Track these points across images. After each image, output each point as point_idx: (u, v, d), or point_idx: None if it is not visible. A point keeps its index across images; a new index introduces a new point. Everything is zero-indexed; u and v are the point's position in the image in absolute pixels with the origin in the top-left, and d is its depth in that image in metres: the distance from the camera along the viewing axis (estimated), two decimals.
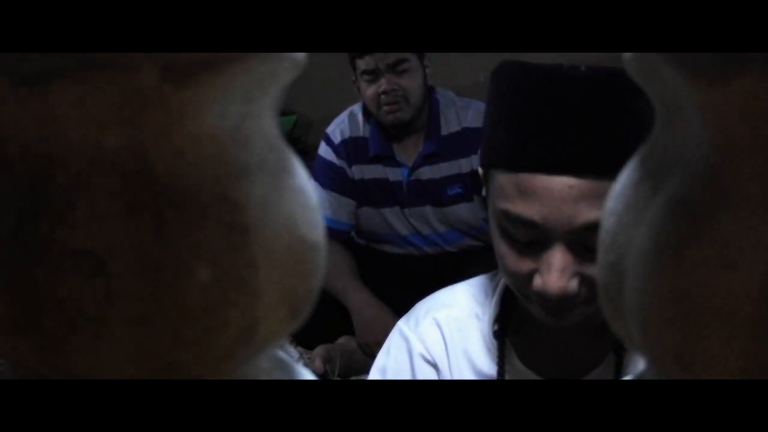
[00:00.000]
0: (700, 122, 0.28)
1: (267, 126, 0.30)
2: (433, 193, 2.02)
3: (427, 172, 2.01)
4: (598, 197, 0.75)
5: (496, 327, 0.94)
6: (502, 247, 0.83)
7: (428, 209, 2.04)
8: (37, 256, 0.27)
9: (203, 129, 0.28)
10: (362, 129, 2.05)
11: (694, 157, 0.28)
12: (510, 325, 0.93)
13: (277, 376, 0.34)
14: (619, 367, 0.89)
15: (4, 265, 0.28)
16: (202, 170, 0.28)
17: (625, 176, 0.33)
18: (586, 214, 0.76)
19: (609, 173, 0.75)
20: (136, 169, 0.27)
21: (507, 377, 0.93)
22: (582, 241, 0.78)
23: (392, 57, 1.89)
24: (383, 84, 1.91)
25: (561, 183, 0.76)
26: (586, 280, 0.80)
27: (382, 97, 1.92)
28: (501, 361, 0.93)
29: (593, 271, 0.78)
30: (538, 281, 0.80)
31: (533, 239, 0.79)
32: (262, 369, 0.33)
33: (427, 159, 2.00)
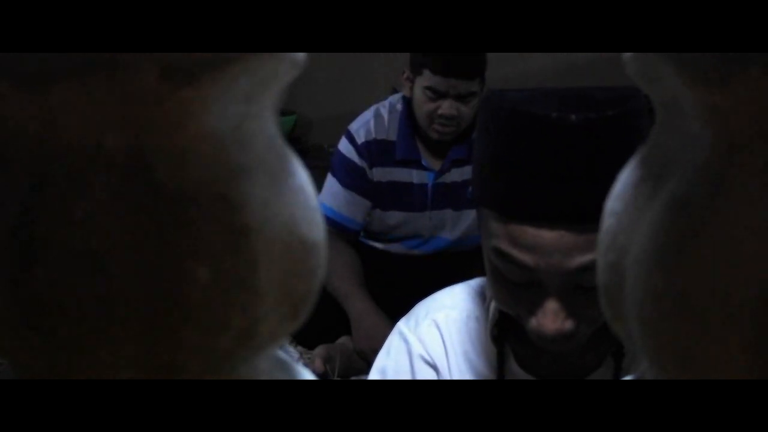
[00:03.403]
0: (700, 122, 0.28)
1: (267, 126, 0.30)
2: (455, 196, 1.99)
3: (453, 176, 1.99)
4: (592, 242, 0.73)
5: (495, 332, 0.93)
6: (495, 286, 0.83)
7: (448, 213, 2.01)
8: (37, 256, 0.27)
9: (203, 129, 0.28)
10: (388, 131, 2.00)
11: (694, 157, 0.28)
12: (509, 329, 0.93)
13: (277, 376, 0.34)
14: (618, 371, 0.89)
15: (4, 265, 0.28)
16: (202, 170, 0.28)
17: (625, 176, 0.33)
18: (579, 259, 0.75)
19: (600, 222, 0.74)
20: (136, 169, 0.27)
21: None
22: (577, 282, 0.77)
23: (464, 88, 1.84)
24: (445, 107, 1.86)
25: (551, 234, 0.75)
26: (584, 319, 0.79)
27: (439, 118, 1.88)
28: (500, 366, 0.93)
29: (590, 312, 0.77)
30: (533, 322, 0.79)
31: (526, 281, 0.78)
32: (262, 369, 0.33)
33: (455, 163, 1.98)
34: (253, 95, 0.29)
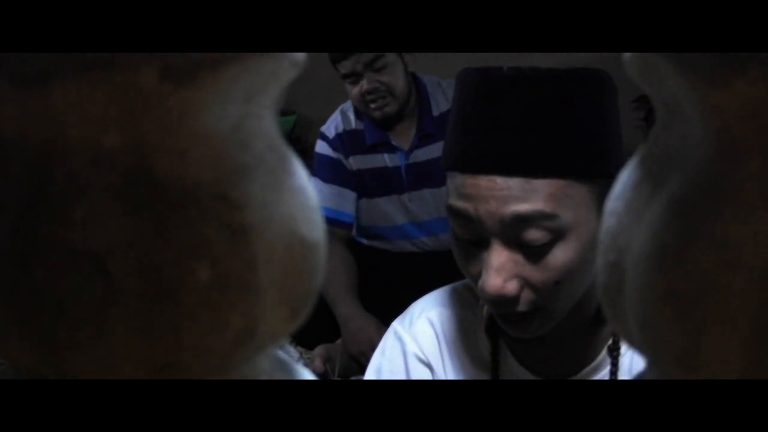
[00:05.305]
0: (700, 122, 0.28)
1: (267, 126, 0.30)
2: (431, 175, 2.05)
3: (423, 154, 2.05)
4: (528, 192, 0.77)
5: (488, 324, 0.94)
6: (456, 254, 0.85)
7: (426, 192, 2.06)
8: (37, 256, 0.27)
9: (203, 129, 0.28)
10: (354, 123, 2.08)
11: (694, 157, 0.28)
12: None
13: (277, 376, 0.34)
14: (615, 364, 0.90)
15: (4, 265, 0.28)
16: (202, 170, 0.28)
17: (625, 176, 0.33)
18: (514, 207, 0.77)
19: (535, 172, 0.77)
20: (136, 169, 0.27)
21: (501, 376, 0.94)
22: (518, 239, 0.78)
23: (367, 56, 1.92)
24: (365, 84, 1.95)
25: (486, 180, 0.78)
26: (530, 286, 0.80)
27: (367, 96, 1.96)
28: (495, 360, 0.93)
29: (538, 276, 0.79)
30: (480, 282, 0.81)
31: (474, 238, 0.81)
32: (262, 369, 0.33)
33: (422, 140, 2.04)
34: (253, 95, 0.29)
